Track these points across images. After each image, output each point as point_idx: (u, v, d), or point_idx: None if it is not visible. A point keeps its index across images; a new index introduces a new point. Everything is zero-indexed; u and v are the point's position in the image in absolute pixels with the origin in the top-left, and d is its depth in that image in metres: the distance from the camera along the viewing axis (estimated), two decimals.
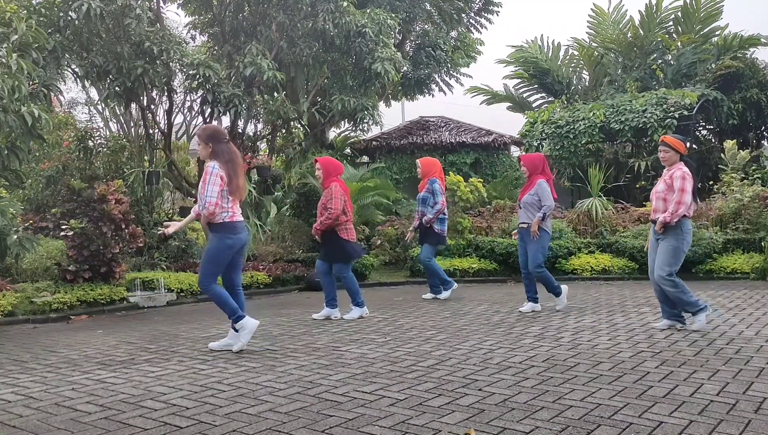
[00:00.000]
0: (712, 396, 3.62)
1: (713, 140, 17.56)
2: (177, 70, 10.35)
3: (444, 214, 8.23)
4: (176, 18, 44.64)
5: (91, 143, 10.44)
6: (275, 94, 11.34)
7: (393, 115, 25.16)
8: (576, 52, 19.04)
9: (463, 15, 16.55)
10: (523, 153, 17.05)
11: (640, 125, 14.95)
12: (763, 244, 9.65)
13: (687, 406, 3.45)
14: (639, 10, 17.70)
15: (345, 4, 11.04)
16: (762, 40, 16.56)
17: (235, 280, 5.38)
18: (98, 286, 8.00)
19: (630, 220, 11.80)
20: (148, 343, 5.67)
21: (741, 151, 13.80)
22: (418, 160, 8.73)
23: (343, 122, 14.70)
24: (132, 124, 12.29)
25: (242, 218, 5.24)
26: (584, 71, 19.38)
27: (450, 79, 17.34)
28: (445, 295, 8.24)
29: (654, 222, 5.71)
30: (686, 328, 5.69)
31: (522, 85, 20.31)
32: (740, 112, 16.23)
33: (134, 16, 8.81)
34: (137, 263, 9.50)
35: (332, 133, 15.58)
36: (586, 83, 19.42)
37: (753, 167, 13.53)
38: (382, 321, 6.62)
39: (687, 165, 5.63)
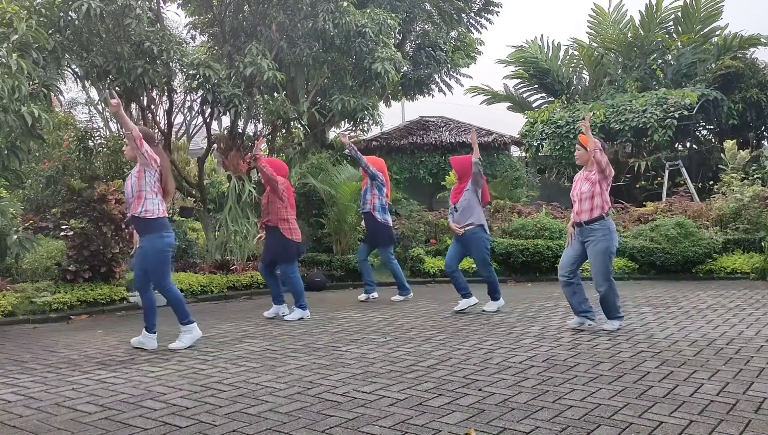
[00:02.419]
0: (712, 396, 3.62)
1: (713, 140, 17.58)
2: (177, 70, 10.33)
3: (382, 200, 8.06)
4: (176, 18, 44.65)
5: (91, 143, 10.42)
6: (275, 94, 11.33)
7: (393, 115, 25.22)
8: (576, 52, 19.06)
9: (463, 15, 16.53)
10: (523, 153, 17.06)
11: (640, 125, 14.96)
12: (763, 244, 9.65)
13: (687, 406, 3.45)
14: (639, 10, 17.73)
15: (345, 4, 11.03)
16: (762, 40, 16.57)
17: (149, 284, 5.54)
18: (98, 286, 8.00)
19: (630, 220, 11.81)
20: None
21: (741, 151, 13.81)
22: None
23: (343, 122, 14.68)
24: None
25: (167, 215, 5.45)
26: (584, 71, 19.41)
27: (450, 79, 17.33)
28: (362, 296, 8.25)
29: (578, 224, 5.66)
30: (594, 326, 5.80)
31: (522, 85, 20.33)
32: (740, 112, 16.24)
33: (134, 16, 8.80)
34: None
35: (332, 133, 15.57)
36: (586, 83, 19.44)
37: (753, 167, 13.55)
38: (382, 321, 6.62)
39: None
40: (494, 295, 7.07)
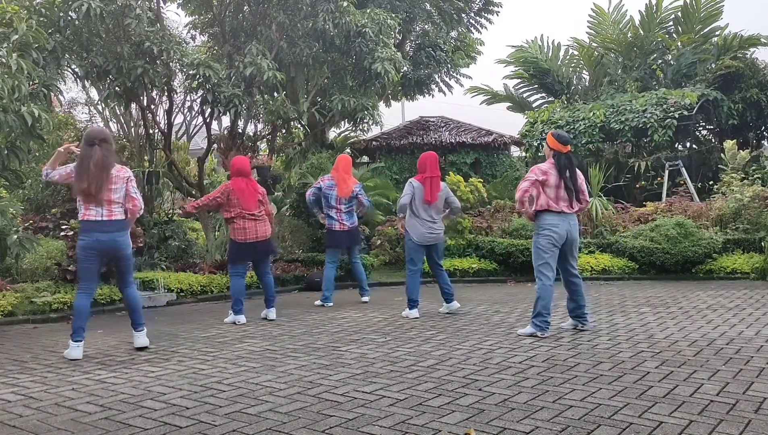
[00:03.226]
0: (712, 396, 3.62)
1: (713, 140, 17.58)
2: (177, 70, 10.34)
3: (308, 201, 8.09)
4: (176, 18, 44.69)
5: None
6: (275, 94, 11.33)
7: (393, 115, 25.20)
8: (576, 52, 19.06)
9: (463, 15, 16.53)
10: (523, 153, 17.06)
11: (640, 125, 14.96)
12: (763, 244, 9.65)
13: (687, 406, 3.45)
14: (639, 10, 17.73)
15: (345, 4, 11.03)
16: (762, 40, 16.57)
17: (125, 281, 5.39)
18: (98, 286, 7.99)
19: (630, 220, 11.81)
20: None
21: (741, 151, 13.81)
22: None
23: (343, 122, 14.69)
24: (132, 124, 12.28)
25: (97, 217, 5.09)
26: (584, 71, 19.41)
27: (450, 79, 17.34)
28: (319, 302, 7.97)
29: None
30: (587, 329, 5.78)
31: (522, 85, 20.32)
32: (740, 112, 16.23)
33: (134, 16, 8.80)
34: (137, 263, 9.49)
35: (332, 133, 15.57)
36: (586, 83, 19.44)
37: (753, 167, 13.54)
38: (382, 321, 6.62)
39: (555, 158, 5.67)
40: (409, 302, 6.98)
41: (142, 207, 5.44)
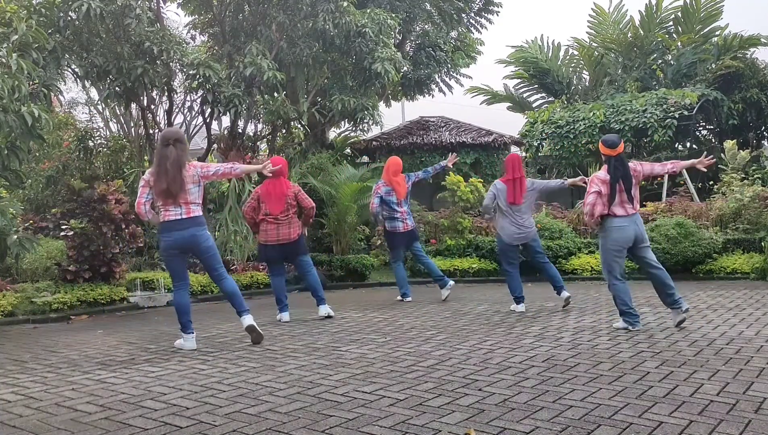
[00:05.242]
0: (712, 396, 3.61)
1: (713, 140, 17.58)
2: (177, 70, 10.34)
3: (375, 212, 8.21)
4: (176, 18, 44.67)
5: (91, 143, 10.44)
6: (275, 94, 11.33)
7: (393, 115, 25.21)
8: (576, 52, 19.08)
9: (463, 15, 16.53)
10: (523, 153, 17.08)
11: (640, 125, 14.97)
12: (763, 244, 9.64)
13: (687, 406, 3.45)
14: (639, 10, 17.76)
15: (345, 4, 11.03)
16: (762, 40, 16.58)
17: (215, 275, 5.54)
18: (98, 286, 8.00)
19: None
20: (148, 343, 5.68)
21: (741, 151, 13.81)
22: None
23: (343, 122, 14.68)
24: (132, 124, 12.27)
25: (176, 217, 5.25)
26: (584, 71, 19.42)
27: (450, 79, 17.32)
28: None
29: None
30: (686, 315, 5.80)
31: (522, 85, 20.33)
32: (740, 112, 16.25)
33: (134, 16, 8.80)
34: (137, 263, 9.50)
35: (332, 133, 15.57)
36: (586, 83, 19.45)
37: (753, 167, 13.55)
38: (382, 321, 6.62)
39: (608, 165, 5.69)
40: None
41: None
